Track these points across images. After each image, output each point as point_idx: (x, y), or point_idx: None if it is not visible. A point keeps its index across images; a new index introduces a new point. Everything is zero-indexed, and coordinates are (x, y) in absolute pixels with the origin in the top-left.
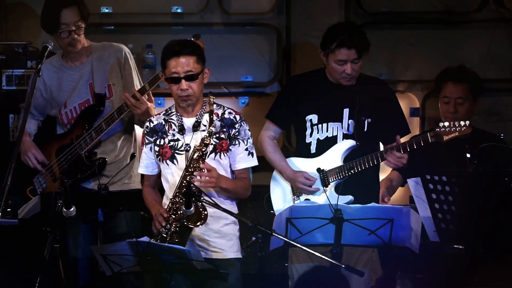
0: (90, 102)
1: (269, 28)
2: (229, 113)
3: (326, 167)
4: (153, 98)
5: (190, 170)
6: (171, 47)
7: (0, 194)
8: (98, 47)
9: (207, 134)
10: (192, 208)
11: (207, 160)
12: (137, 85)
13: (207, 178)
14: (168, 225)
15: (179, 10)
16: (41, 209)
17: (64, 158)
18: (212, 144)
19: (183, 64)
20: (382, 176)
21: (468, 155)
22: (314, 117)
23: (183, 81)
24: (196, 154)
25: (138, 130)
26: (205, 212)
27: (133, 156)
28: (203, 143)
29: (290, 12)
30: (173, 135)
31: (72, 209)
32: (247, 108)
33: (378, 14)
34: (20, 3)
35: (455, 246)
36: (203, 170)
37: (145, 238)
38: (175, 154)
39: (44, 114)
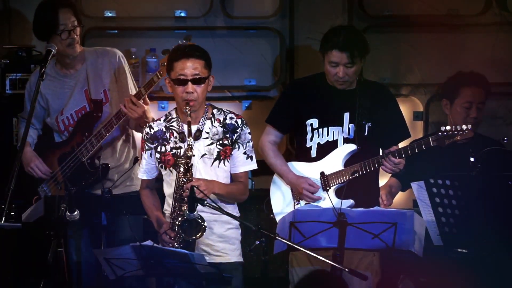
0: (86, 108)
1: (272, 31)
2: (231, 118)
3: (327, 171)
4: (148, 101)
5: (180, 184)
6: (180, 49)
7: (3, 197)
8: (92, 53)
9: (188, 147)
10: (195, 212)
11: (211, 168)
12: (132, 88)
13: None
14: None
15: (182, 14)
16: (44, 213)
17: (67, 166)
18: (209, 152)
19: (191, 67)
20: (381, 181)
21: (471, 159)
22: (314, 121)
23: (189, 83)
24: (181, 168)
25: (137, 134)
26: (204, 224)
27: (136, 161)
28: (186, 156)
29: (293, 16)
30: (175, 142)
31: (75, 213)
32: (250, 111)
33: (381, 17)
34: (24, 7)
35: (459, 250)
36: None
37: (148, 242)
38: (178, 162)
39: (41, 122)
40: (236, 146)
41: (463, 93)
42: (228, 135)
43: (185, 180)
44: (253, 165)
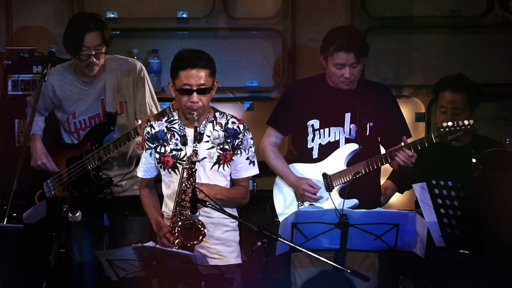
0: (100, 116)
1: (274, 32)
2: (233, 122)
3: (330, 171)
4: None
5: (183, 188)
6: (186, 57)
7: (5, 198)
8: (112, 62)
9: (193, 152)
10: (197, 213)
11: (210, 172)
12: (150, 101)
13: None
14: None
15: (184, 15)
16: (46, 213)
17: (74, 170)
18: (209, 155)
19: (197, 76)
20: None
21: (473, 160)
22: (315, 122)
23: (194, 93)
24: (185, 173)
25: None
26: (204, 230)
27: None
28: (190, 161)
29: (295, 17)
30: (176, 144)
31: (77, 214)
32: (252, 112)
33: (383, 18)
34: (26, 9)
35: (461, 251)
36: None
37: (150, 243)
38: (177, 164)
39: (49, 111)
40: (238, 152)
41: (440, 97)
42: (229, 140)
43: (188, 185)
44: (255, 170)
